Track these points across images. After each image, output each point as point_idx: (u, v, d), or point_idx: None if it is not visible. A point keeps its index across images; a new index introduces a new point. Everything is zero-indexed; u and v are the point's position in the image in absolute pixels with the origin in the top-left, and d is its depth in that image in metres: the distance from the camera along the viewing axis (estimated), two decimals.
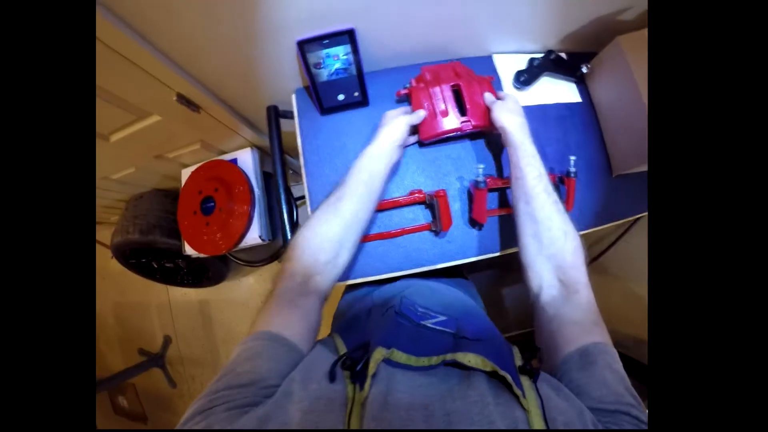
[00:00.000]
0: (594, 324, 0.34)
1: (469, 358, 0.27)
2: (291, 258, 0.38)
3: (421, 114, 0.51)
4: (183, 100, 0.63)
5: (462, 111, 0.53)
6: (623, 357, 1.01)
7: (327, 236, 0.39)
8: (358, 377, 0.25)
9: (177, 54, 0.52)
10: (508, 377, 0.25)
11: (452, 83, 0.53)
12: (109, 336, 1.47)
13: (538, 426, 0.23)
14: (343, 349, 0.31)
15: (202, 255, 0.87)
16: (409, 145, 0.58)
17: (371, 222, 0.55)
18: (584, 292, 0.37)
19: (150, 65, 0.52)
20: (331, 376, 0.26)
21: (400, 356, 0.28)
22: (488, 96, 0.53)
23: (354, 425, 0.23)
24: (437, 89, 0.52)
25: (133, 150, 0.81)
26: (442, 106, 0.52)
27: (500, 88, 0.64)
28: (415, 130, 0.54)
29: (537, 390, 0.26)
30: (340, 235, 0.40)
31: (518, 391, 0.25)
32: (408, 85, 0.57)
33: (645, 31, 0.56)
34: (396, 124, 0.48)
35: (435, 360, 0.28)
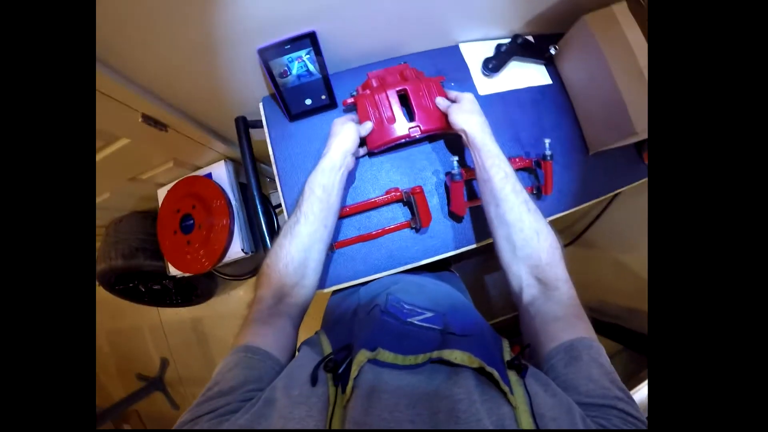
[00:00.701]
0: (577, 318, 0.34)
1: (456, 355, 0.27)
2: (260, 285, 0.40)
3: (368, 126, 0.51)
4: (149, 120, 0.62)
5: (411, 116, 0.52)
6: (618, 329, 1.03)
7: (289, 261, 0.40)
8: (341, 379, 0.26)
9: (138, 75, 0.52)
10: (495, 373, 0.25)
11: (398, 88, 0.52)
12: (105, 364, 1.45)
13: (526, 423, 0.23)
14: (328, 349, 0.32)
15: (187, 275, 0.86)
16: (360, 157, 0.57)
17: (347, 229, 0.55)
18: (564, 288, 0.37)
19: (111, 89, 0.51)
20: (313, 380, 0.26)
21: (386, 356, 0.28)
22: (441, 101, 0.51)
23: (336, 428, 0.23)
24: (383, 95, 0.51)
25: (106, 175, 0.79)
26: (389, 113, 0.51)
27: (467, 79, 0.64)
28: (363, 141, 0.53)
29: (525, 386, 0.26)
30: (302, 257, 0.41)
31: (505, 388, 0.25)
32: (354, 93, 0.56)
33: (611, 8, 0.56)
34: (346, 133, 0.47)
35: (422, 358, 0.28)
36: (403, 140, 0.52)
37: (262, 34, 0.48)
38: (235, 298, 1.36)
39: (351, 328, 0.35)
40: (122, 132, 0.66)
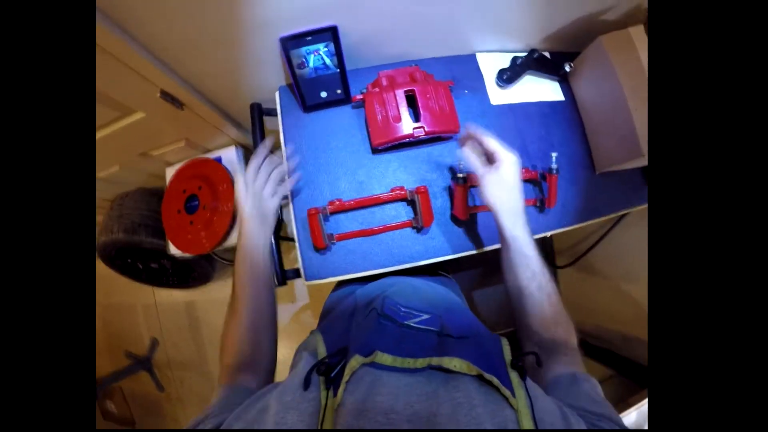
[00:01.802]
0: (577, 363, 0.38)
1: (455, 363, 0.28)
2: (223, 354, 0.42)
3: (262, 152, 0.51)
4: (167, 96, 0.64)
5: (417, 117, 0.53)
6: (612, 354, 1.03)
7: (237, 338, 0.42)
8: (333, 383, 0.26)
9: (161, 50, 0.53)
10: (495, 380, 0.26)
11: (407, 89, 0.53)
12: (96, 339, 1.47)
13: (528, 424, 0.24)
14: (323, 351, 0.32)
15: (186, 255, 0.88)
16: (283, 199, 0.55)
17: (349, 222, 0.56)
18: (570, 354, 0.39)
19: (134, 61, 0.53)
20: (306, 384, 0.27)
21: (385, 358, 0.29)
22: (473, 160, 0.46)
23: None
24: (390, 94, 0.53)
25: (118, 148, 0.81)
26: (395, 112, 0.53)
27: (480, 88, 0.65)
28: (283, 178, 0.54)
29: (526, 388, 0.27)
30: (248, 333, 0.43)
31: (506, 392, 0.25)
32: (364, 90, 0.58)
33: (627, 31, 0.58)
34: (242, 199, 0.48)
35: (420, 363, 0.29)
36: (407, 140, 0.53)
37: (286, 23, 0.50)
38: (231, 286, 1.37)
39: (347, 330, 0.36)
40: (139, 106, 0.68)
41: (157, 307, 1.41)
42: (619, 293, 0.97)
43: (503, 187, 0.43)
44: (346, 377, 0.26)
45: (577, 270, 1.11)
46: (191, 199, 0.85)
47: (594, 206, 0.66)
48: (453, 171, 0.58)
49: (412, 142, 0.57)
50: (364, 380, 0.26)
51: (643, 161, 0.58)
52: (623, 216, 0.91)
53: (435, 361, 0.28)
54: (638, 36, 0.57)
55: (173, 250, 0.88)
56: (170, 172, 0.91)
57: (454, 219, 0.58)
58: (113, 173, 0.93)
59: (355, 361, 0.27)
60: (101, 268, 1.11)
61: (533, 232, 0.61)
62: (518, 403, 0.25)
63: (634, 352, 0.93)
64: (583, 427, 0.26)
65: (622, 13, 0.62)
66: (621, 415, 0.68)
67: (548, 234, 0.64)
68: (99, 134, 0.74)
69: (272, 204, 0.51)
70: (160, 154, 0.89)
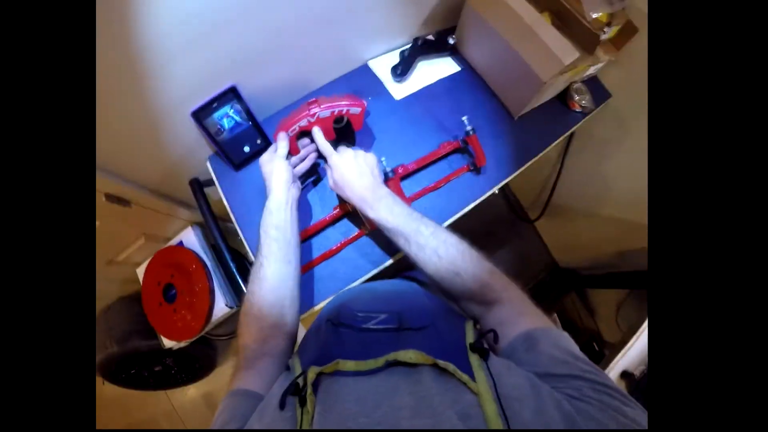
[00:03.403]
0: (527, 314, 0.36)
1: (410, 355, 0.29)
2: (240, 334, 0.43)
3: (282, 137, 0.55)
4: (112, 198, 0.68)
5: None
6: (615, 275, 1.07)
7: (262, 305, 0.43)
8: (304, 401, 0.27)
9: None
10: (450, 366, 0.27)
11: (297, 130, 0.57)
12: None
13: (490, 409, 0.23)
14: (298, 370, 0.34)
15: (182, 344, 0.91)
16: (304, 174, 0.61)
17: (302, 257, 0.58)
18: (505, 296, 0.39)
19: None
20: (281, 405, 0.28)
21: (347, 365, 0.30)
22: (326, 168, 0.52)
23: None
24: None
25: None
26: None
27: (382, 91, 0.73)
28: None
29: (488, 368, 0.27)
30: (273, 298, 0.44)
31: (464, 377, 0.26)
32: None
33: None
34: (277, 168, 0.52)
35: (380, 361, 0.30)
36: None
37: (192, 98, 0.57)
38: None
39: (314, 348, 0.37)
40: None
41: (177, 411, 1.41)
42: (597, 218, 1.03)
43: (339, 183, 0.49)
44: (309, 389, 0.28)
45: (551, 217, 1.17)
46: (168, 288, 0.90)
47: (525, 149, 0.73)
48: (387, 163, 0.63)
49: None
50: (331, 390, 0.28)
51: (545, 87, 0.64)
52: (566, 150, 1.00)
53: (392, 356, 0.29)
54: None
55: (168, 343, 0.91)
56: (141, 272, 0.95)
57: None
58: None
59: (312, 372, 0.29)
60: (110, 389, 1.12)
61: (479, 194, 0.68)
62: (479, 386, 0.25)
63: (634, 263, 0.98)
64: (557, 395, 0.24)
65: None
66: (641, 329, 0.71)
67: (495, 189, 0.70)
68: None
69: (295, 170, 0.55)
70: (126, 257, 0.94)
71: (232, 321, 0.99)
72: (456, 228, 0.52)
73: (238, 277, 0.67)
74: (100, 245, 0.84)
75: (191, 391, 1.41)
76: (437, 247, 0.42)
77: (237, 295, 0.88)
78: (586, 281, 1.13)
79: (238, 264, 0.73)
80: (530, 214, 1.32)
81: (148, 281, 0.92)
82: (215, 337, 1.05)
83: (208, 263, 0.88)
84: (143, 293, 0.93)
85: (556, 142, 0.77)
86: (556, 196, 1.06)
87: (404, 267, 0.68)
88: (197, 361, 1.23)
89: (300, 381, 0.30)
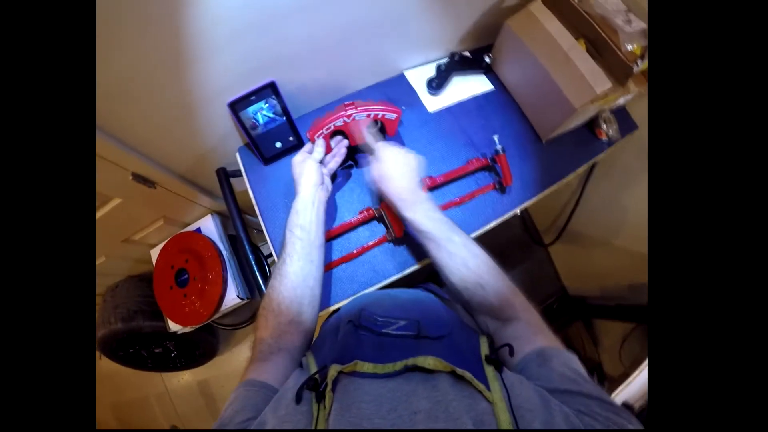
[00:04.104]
0: (541, 333, 0.38)
1: (429, 361, 0.30)
2: (258, 327, 0.45)
3: (319, 143, 0.57)
4: (139, 178, 0.70)
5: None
6: (624, 308, 1.07)
7: (281, 300, 0.44)
8: (322, 396, 0.28)
9: (126, 136, 0.59)
10: (467, 375, 0.28)
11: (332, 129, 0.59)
12: None
13: (504, 418, 0.25)
14: (313, 368, 0.35)
15: (187, 329, 0.92)
16: (333, 175, 0.62)
17: (325, 257, 0.59)
18: (523, 317, 0.40)
19: (104, 150, 0.59)
20: (298, 398, 0.29)
21: (365, 366, 0.31)
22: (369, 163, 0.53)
23: None
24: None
25: (101, 237, 0.87)
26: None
27: (416, 102, 0.74)
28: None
29: (502, 380, 0.28)
30: (294, 295, 0.45)
31: (479, 386, 0.27)
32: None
33: (527, 8, 0.68)
34: (308, 169, 0.53)
35: (399, 365, 0.31)
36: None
37: (230, 89, 0.59)
38: (240, 355, 1.40)
39: (333, 347, 0.38)
40: (114, 192, 0.74)
41: (170, 394, 1.41)
42: (611, 248, 1.03)
43: (382, 176, 0.50)
44: (328, 386, 0.29)
45: (566, 243, 1.17)
46: (180, 273, 0.91)
47: (550, 173, 0.73)
48: None
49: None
50: (348, 389, 0.29)
51: (576, 114, 0.66)
52: (588, 178, 1.00)
53: (411, 361, 0.31)
54: (538, 10, 0.67)
55: (173, 326, 0.92)
56: (155, 254, 0.97)
57: None
58: (101, 265, 0.98)
59: (333, 369, 0.30)
60: (106, 365, 1.13)
61: (501, 213, 0.68)
62: (493, 396, 0.27)
63: (644, 297, 0.98)
64: (566, 409, 0.26)
65: None
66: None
67: (517, 210, 0.71)
68: None
69: (327, 169, 0.57)
70: (142, 237, 0.96)
71: (239, 312, 1.01)
72: None
73: (255, 270, 0.68)
74: (118, 223, 0.85)
75: (187, 377, 1.41)
76: (467, 258, 0.44)
77: (249, 287, 0.89)
78: (594, 311, 1.13)
79: (255, 257, 0.74)
80: (545, 238, 1.32)
81: (162, 263, 0.94)
82: (220, 326, 1.06)
83: (224, 252, 0.90)
84: (155, 275, 0.94)
85: (581, 168, 0.78)
86: (572, 222, 1.07)
87: (420, 278, 0.69)
88: (198, 348, 1.24)
89: (318, 377, 0.31)
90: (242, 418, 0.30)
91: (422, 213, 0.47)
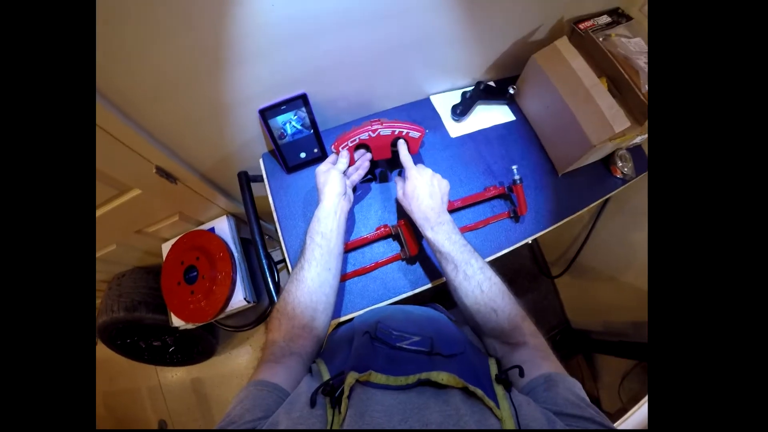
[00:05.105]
0: (549, 359, 0.39)
1: (442, 377, 0.31)
2: (270, 329, 0.45)
3: (344, 154, 0.58)
4: (162, 172, 0.71)
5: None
6: (626, 345, 1.07)
7: (296, 305, 0.45)
8: (338, 402, 0.29)
9: (155, 129, 0.60)
10: (479, 392, 0.29)
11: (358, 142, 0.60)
12: (101, 427, 1.43)
13: None
14: (326, 375, 0.36)
15: (189, 326, 0.92)
16: (356, 188, 0.63)
17: (343, 267, 0.61)
18: (531, 342, 0.42)
19: (130, 139, 0.59)
20: (312, 402, 0.30)
21: (378, 377, 0.32)
22: (397, 178, 0.58)
23: None
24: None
25: (115, 225, 0.87)
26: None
27: (439, 126, 0.76)
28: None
29: (511, 399, 0.30)
30: (309, 300, 0.46)
31: (490, 403, 0.28)
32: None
33: (554, 45, 0.70)
34: (332, 178, 0.54)
35: (412, 379, 0.32)
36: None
37: (262, 96, 0.61)
38: (237, 358, 1.39)
39: (347, 356, 0.39)
40: (135, 183, 0.75)
41: (162, 389, 1.40)
42: (617, 284, 1.04)
43: (409, 196, 0.52)
44: (345, 393, 0.29)
45: (573, 276, 1.18)
46: (190, 270, 0.92)
47: (564, 205, 0.74)
48: None
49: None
50: (361, 398, 0.30)
51: (593, 150, 0.67)
52: (600, 213, 1.01)
53: (424, 375, 0.32)
54: (564, 47, 0.69)
55: (176, 321, 0.92)
56: (166, 248, 0.98)
57: None
58: (110, 252, 0.99)
59: (351, 377, 0.31)
60: (102, 351, 1.13)
61: (514, 241, 0.69)
62: (502, 413, 0.28)
63: (645, 336, 0.98)
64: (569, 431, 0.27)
65: (546, 31, 0.75)
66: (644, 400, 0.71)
67: (529, 240, 0.72)
68: (98, 212, 0.79)
69: (349, 181, 0.58)
70: (155, 230, 0.97)
71: (243, 315, 1.01)
72: None
73: (267, 275, 0.69)
74: (135, 213, 0.86)
75: (181, 373, 1.40)
76: (482, 282, 0.45)
77: (258, 293, 0.89)
78: (596, 346, 1.12)
79: (267, 257, 0.74)
80: (552, 270, 1.32)
81: (172, 258, 0.95)
82: (222, 326, 1.05)
83: (236, 254, 0.91)
84: (164, 269, 0.95)
85: (595, 203, 0.79)
86: (580, 256, 1.07)
87: (426, 298, 0.69)
88: (197, 346, 1.24)
89: (333, 383, 0.31)
90: (252, 417, 0.30)
91: (444, 235, 0.49)
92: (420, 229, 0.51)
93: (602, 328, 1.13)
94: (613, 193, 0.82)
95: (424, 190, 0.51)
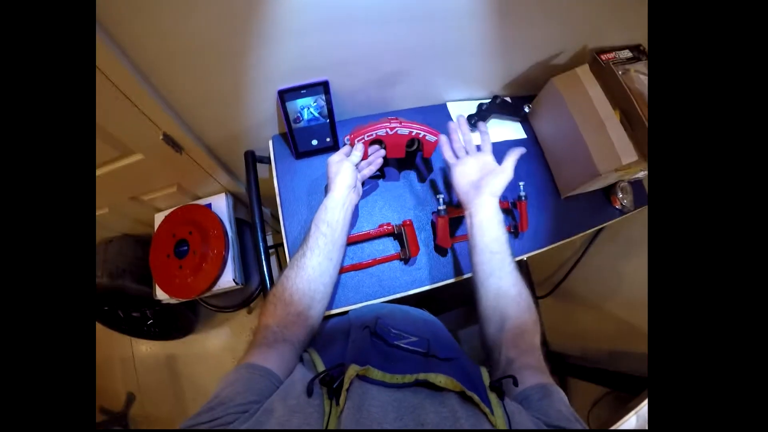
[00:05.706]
0: (545, 372, 0.40)
1: (440, 379, 0.31)
2: (264, 313, 0.44)
3: (359, 147, 0.58)
4: (169, 139, 0.69)
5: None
6: (602, 372, 1.08)
7: (294, 291, 0.44)
8: (336, 393, 0.29)
9: (171, 95, 0.58)
10: (475, 397, 0.30)
11: (374, 137, 0.60)
12: None
13: None
14: (320, 365, 0.36)
15: (173, 300, 0.90)
16: (364, 182, 0.63)
17: (343, 260, 0.59)
18: (536, 355, 0.42)
19: (144, 102, 0.57)
20: (309, 391, 0.29)
21: (375, 373, 0.32)
22: (446, 149, 0.58)
23: None
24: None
25: (111, 189, 0.84)
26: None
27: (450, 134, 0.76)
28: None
29: (504, 407, 0.30)
30: (307, 288, 0.45)
31: (486, 409, 0.29)
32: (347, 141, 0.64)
33: (575, 71, 0.71)
34: (344, 170, 0.54)
35: (408, 378, 0.32)
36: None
37: (283, 78, 0.60)
38: (215, 338, 1.37)
39: (344, 347, 0.39)
40: (140, 147, 0.73)
41: (135, 361, 1.37)
42: (600, 312, 1.05)
43: (464, 178, 0.54)
44: (345, 385, 0.29)
45: (557, 298, 1.19)
46: (181, 244, 0.90)
47: (563, 228, 0.76)
48: (434, 206, 0.67)
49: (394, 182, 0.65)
50: (357, 392, 0.30)
51: (599, 178, 0.68)
52: (593, 240, 1.03)
53: (422, 376, 0.32)
54: (584, 74, 0.70)
55: (160, 294, 0.90)
56: (159, 219, 0.96)
57: (438, 249, 0.66)
58: (102, 215, 0.96)
59: (352, 369, 0.31)
60: None
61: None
62: (497, 420, 0.29)
63: (622, 366, 0.99)
64: None
65: (568, 57, 0.76)
66: (622, 420, 0.72)
67: (524, 257, 0.72)
68: (97, 172, 0.76)
69: (360, 175, 0.57)
70: (151, 199, 0.95)
71: (228, 296, 0.99)
72: (464, 285, 0.54)
73: (263, 259, 0.68)
74: (132, 179, 0.83)
75: (156, 348, 1.37)
76: (520, 293, 0.46)
77: (246, 275, 0.88)
78: (571, 370, 1.14)
79: (264, 240, 0.72)
80: (537, 290, 1.34)
81: (164, 230, 0.93)
82: (206, 305, 1.03)
83: (230, 234, 0.89)
84: (154, 240, 0.93)
85: (591, 230, 0.80)
86: (567, 280, 1.09)
87: (413, 301, 0.69)
88: (176, 321, 1.21)
89: (333, 373, 0.31)
90: (244, 400, 0.30)
91: (492, 210, 0.50)
92: (467, 209, 0.52)
93: (579, 353, 1.15)
94: (610, 222, 0.83)
95: (479, 177, 0.54)
